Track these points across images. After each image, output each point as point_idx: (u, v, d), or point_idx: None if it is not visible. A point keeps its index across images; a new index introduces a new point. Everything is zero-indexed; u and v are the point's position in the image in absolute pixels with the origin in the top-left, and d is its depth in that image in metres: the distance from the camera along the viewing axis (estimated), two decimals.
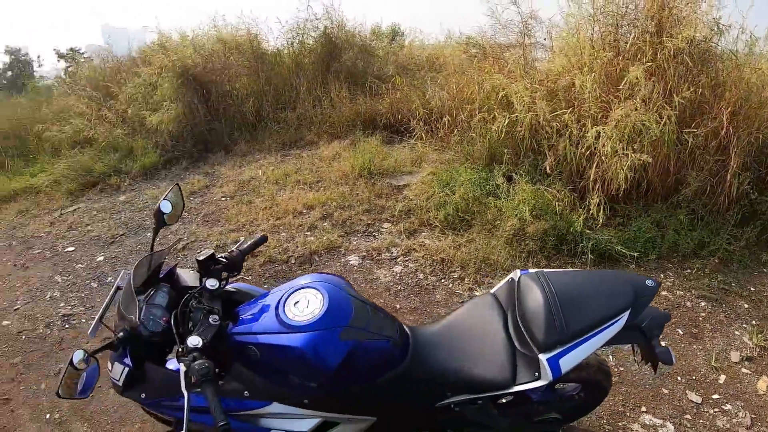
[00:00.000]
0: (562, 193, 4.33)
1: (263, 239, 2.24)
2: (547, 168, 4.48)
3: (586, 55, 4.57)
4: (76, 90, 7.53)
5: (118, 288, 1.99)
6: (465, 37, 6.34)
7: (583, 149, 4.30)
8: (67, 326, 4.03)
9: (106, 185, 6.26)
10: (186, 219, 5.15)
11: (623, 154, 4.00)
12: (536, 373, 1.89)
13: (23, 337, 4.01)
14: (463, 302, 2.58)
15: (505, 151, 4.86)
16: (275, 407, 1.84)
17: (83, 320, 4.05)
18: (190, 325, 1.81)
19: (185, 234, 4.89)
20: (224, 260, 1.99)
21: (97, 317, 1.93)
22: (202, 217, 5.13)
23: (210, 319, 1.77)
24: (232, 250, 2.07)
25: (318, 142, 6.30)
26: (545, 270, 2.05)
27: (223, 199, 5.44)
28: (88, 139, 6.79)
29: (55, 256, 5.04)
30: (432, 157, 5.58)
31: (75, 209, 5.88)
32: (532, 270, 2.07)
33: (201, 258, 1.94)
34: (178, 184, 2.18)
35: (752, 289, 3.83)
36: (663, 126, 4.01)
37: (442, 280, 4.11)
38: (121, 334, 1.77)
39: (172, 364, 1.86)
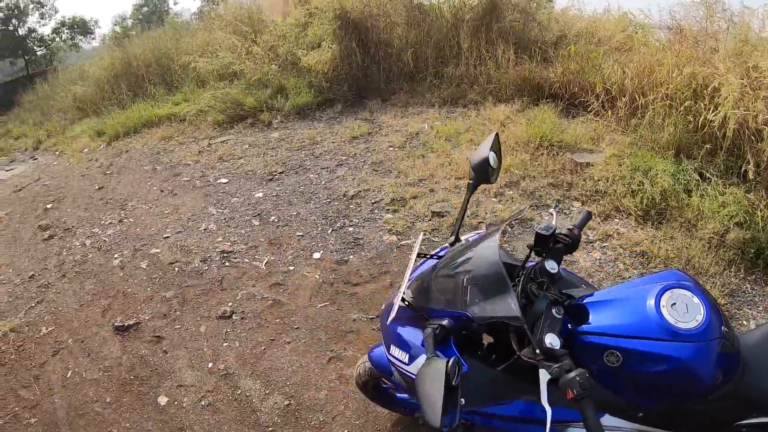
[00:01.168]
0: (765, 202, 4.15)
1: (589, 216, 1.97)
2: (750, 173, 4.28)
3: None
4: (221, 25, 7.35)
5: (424, 256, 1.96)
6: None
7: None
8: (227, 264, 3.95)
9: (256, 120, 6.17)
10: (351, 164, 4.90)
11: None
12: None
13: (176, 269, 3.89)
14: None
15: (704, 146, 4.66)
16: (606, 420, 1.68)
17: (246, 260, 3.97)
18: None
19: (355, 180, 4.64)
20: (566, 239, 1.78)
21: (399, 293, 1.75)
22: (370, 165, 5.00)
23: (553, 311, 1.58)
24: (572, 227, 1.84)
25: (482, 103, 6.18)
26: None
27: (391, 148, 5.32)
28: (235, 73, 6.61)
29: (207, 186, 4.91)
30: (610, 138, 5.33)
31: (225, 141, 5.70)
32: None
33: (544, 233, 1.75)
34: (497, 134, 2.11)
35: None
36: None
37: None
38: (446, 321, 1.65)
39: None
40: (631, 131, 5.29)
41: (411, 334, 1.81)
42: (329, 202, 4.58)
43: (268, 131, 6.01)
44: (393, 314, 1.70)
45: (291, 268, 3.87)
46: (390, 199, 4.46)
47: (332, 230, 4.20)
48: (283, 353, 3.19)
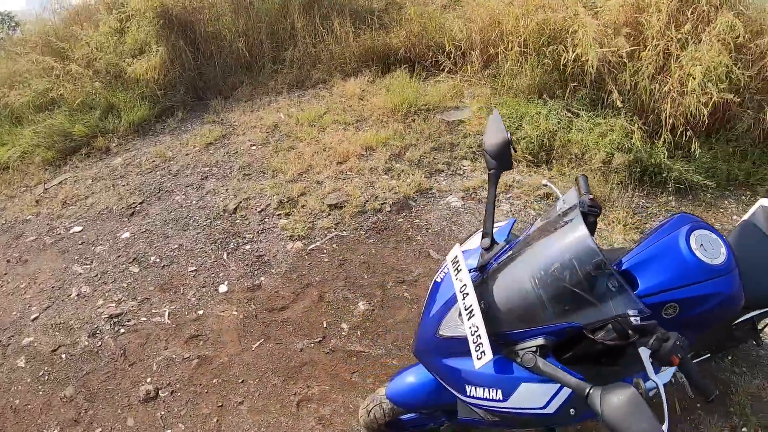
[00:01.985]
0: (636, 126, 4.45)
1: (586, 178, 2.00)
2: (618, 102, 4.54)
3: None
4: (26, 50, 6.29)
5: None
6: None
7: (659, 84, 4.47)
8: (122, 330, 3.24)
9: (91, 149, 5.32)
10: (217, 174, 4.44)
11: (703, 92, 4.22)
12: None
13: (63, 357, 3.14)
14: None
15: (569, 85, 4.86)
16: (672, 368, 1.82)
17: (142, 318, 3.29)
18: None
19: (229, 191, 4.20)
20: (594, 210, 1.80)
21: (468, 324, 1.59)
22: (239, 170, 4.57)
23: (609, 285, 1.54)
24: (590, 196, 1.85)
25: (330, 80, 5.87)
26: None
27: (254, 147, 4.88)
28: (55, 99, 5.69)
29: (60, 240, 4.15)
30: (471, 92, 5.34)
31: (62, 181, 4.90)
32: None
33: (584, 209, 1.74)
34: (496, 110, 2.02)
35: None
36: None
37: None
38: (542, 339, 1.56)
39: None
40: (489, 82, 5.30)
41: (485, 367, 1.57)
42: (210, 222, 3.99)
43: (108, 158, 5.15)
44: (485, 349, 1.50)
45: (200, 312, 3.27)
46: (277, 203, 4.01)
47: (227, 254, 3.66)
48: (241, 418, 2.66)
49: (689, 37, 4.44)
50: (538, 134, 4.50)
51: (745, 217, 2.52)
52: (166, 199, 4.33)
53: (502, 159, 1.83)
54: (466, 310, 1.57)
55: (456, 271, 1.68)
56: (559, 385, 1.57)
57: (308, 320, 3.15)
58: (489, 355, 1.47)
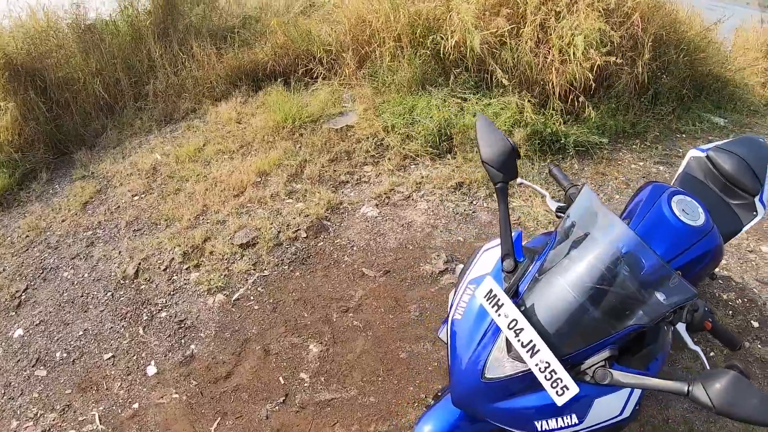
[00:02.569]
0: (526, 100, 4.62)
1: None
2: (503, 80, 4.67)
3: None
4: None
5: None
6: None
7: (542, 57, 4.68)
8: None
9: None
10: (103, 237, 3.97)
11: (585, 58, 4.50)
12: (754, 213, 2.52)
13: None
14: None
15: (452, 71, 4.92)
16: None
17: (71, 431, 2.83)
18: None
19: (123, 253, 3.76)
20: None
21: (536, 362, 1.45)
22: (127, 228, 4.05)
23: (662, 277, 1.60)
24: (572, 184, 1.98)
25: (200, 109, 5.44)
26: (712, 145, 2.75)
27: (136, 198, 4.36)
28: None
29: None
30: (349, 95, 5.25)
31: None
32: (705, 147, 2.75)
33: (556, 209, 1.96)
34: (482, 114, 1.96)
35: (681, 150, 4.94)
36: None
37: (474, 203, 4.11)
38: (609, 350, 1.51)
39: None
40: (368, 82, 5.17)
41: (546, 395, 1.47)
42: (112, 295, 3.48)
43: None
44: (567, 383, 1.39)
45: (135, 406, 2.79)
46: (181, 255, 3.60)
47: (143, 329, 3.21)
48: None
49: (566, 9, 4.62)
50: (435, 125, 4.44)
51: (681, 169, 2.73)
52: (52, 279, 3.77)
53: (507, 168, 1.71)
54: (525, 347, 1.44)
55: (496, 307, 1.51)
56: (632, 391, 1.59)
57: (261, 381, 2.84)
58: (574, 389, 1.37)
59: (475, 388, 1.58)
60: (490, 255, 1.82)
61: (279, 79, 5.45)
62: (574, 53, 4.47)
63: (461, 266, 1.96)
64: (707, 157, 2.66)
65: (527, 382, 1.53)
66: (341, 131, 4.71)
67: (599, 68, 4.56)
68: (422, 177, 4.22)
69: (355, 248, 3.63)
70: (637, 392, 1.61)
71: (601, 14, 4.53)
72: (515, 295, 1.60)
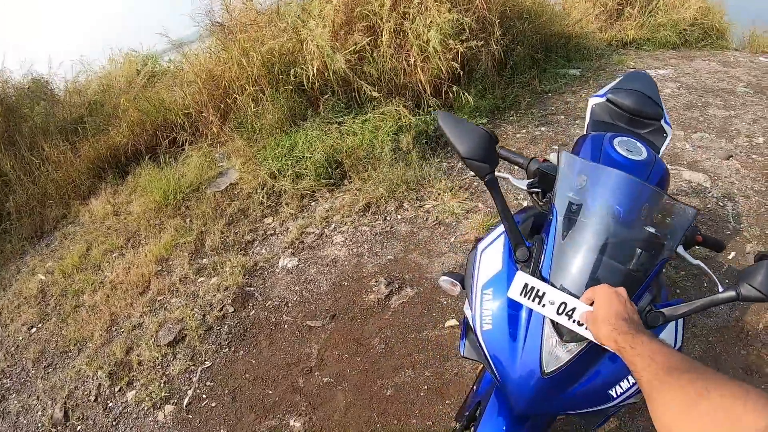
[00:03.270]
0: (400, 105, 4.66)
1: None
2: (373, 93, 4.68)
3: None
4: None
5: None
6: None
7: (404, 61, 4.77)
8: None
9: None
10: (16, 383, 3.46)
11: (447, 49, 4.65)
12: (664, 134, 2.75)
13: None
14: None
15: (321, 99, 4.89)
16: None
17: None
18: None
19: (42, 397, 3.29)
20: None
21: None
22: (36, 365, 3.54)
23: (668, 206, 1.78)
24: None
25: (70, 211, 4.92)
26: (607, 89, 2.91)
27: (34, 330, 3.83)
28: None
29: None
30: (221, 153, 4.98)
31: None
32: (600, 92, 2.90)
33: (550, 172, 1.83)
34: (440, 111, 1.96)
35: (553, 108, 5.35)
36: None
37: (387, 219, 4.03)
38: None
39: None
40: (237, 134, 4.91)
41: (610, 364, 1.54)
42: None
43: None
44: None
45: None
46: (108, 377, 3.15)
47: None
48: None
49: (415, 9, 4.70)
50: (321, 156, 4.32)
51: (588, 119, 2.88)
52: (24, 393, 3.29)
53: (490, 158, 1.58)
54: (583, 324, 1.38)
55: (537, 299, 1.42)
56: (676, 321, 1.62)
57: None
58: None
59: (540, 389, 1.48)
60: (490, 252, 1.72)
61: (146, 158, 5.03)
62: (434, 48, 4.54)
63: (445, 278, 1.85)
64: (607, 100, 2.80)
65: (589, 357, 1.49)
66: (227, 191, 4.45)
67: (462, 56, 4.68)
68: (327, 211, 4.08)
69: (290, 304, 3.40)
70: (681, 322, 1.64)
71: (450, 5, 4.66)
72: (543, 281, 1.51)
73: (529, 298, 1.43)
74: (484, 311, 1.61)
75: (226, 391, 3.01)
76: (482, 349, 1.60)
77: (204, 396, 3.02)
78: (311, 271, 3.61)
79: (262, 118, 4.78)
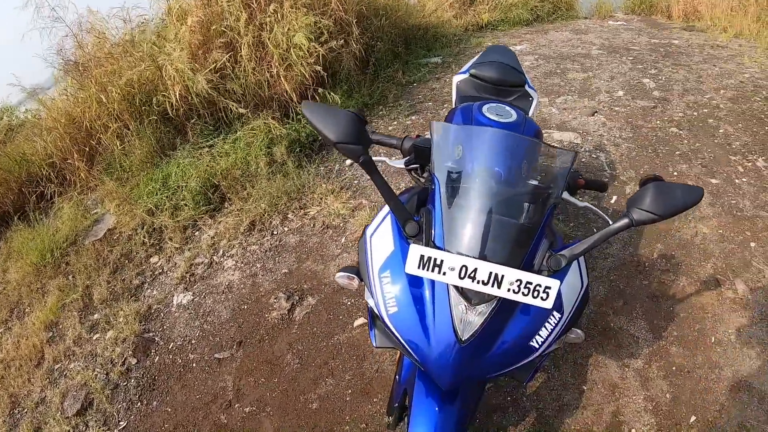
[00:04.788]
0: (269, 117, 4.65)
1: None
2: (239, 110, 4.65)
3: None
4: None
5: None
6: None
7: (267, 73, 4.73)
8: None
9: None
10: None
11: (309, 53, 4.68)
12: (530, 98, 2.87)
13: None
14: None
15: (188, 124, 4.77)
16: None
17: None
18: None
19: None
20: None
21: None
22: None
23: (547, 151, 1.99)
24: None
25: None
26: (469, 65, 3.05)
27: None
28: None
29: None
30: (93, 199, 4.67)
31: None
32: (462, 69, 3.06)
33: (423, 145, 1.92)
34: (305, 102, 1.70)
35: (420, 96, 5.63)
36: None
37: (274, 234, 3.98)
38: None
39: None
40: (106, 176, 4.59)
41: (526, 311, 1.58)
42: None
43: None
44: (545, 284, 1.41)
45: None
46: None
47: None
48: None
49: (273, 18, 4.68)
50: (197, 183, 4.18)
51: (454, 95, 3.04)
52: None
53: (361, 138, 1.56)
54: (488, 282, 1.39)
55: (437, 268, 1.41)
56: (578, 260, 1.66)
57: None
58: (554, 283, 1.40)
59: (461, 359, 1.48)
60: (379, 235, 1.69)
61: (14, 219, 4.59)
62: (296, 55, 4.54)
63: (341, 274, 1.83)
64: (471, 75, 2.92)
65: (502, 315, 1.51)
66: (106, 238, 4.16)
67: (324, 58, 4.71)
68: (212, 238, 3.94)
69: (193, 341, 3.25)
70: (582, 262, 1.70)
71: (306, 10, 4.68)
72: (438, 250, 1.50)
73: (428, 270, 1.42)
74: (387, 295, 1.58)
75: None
76: (393, 334, 1.57)
77: None
78: (208, 303, 3.47)
79: (130, 154, 4.52)
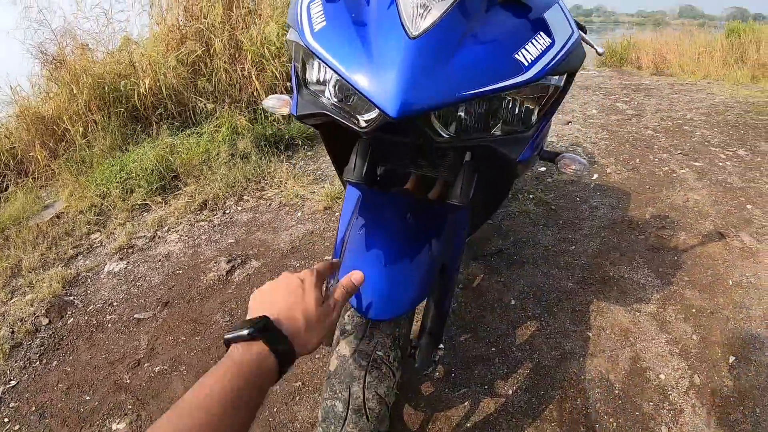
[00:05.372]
0: (237, 114, 4.56)
1: None
2: (207, 106, 4.58)
3: None
4: None
5: None
6: None
7: (239, 72, 4.74)
8: None
9: None
10: None
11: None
12: None
13: None
14: None
15: (154, 117, 4.67)
16: None
17: None
18: None
19: None
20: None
21: None
22: None
23: None
24: None
25: None
26: None
27: None
28: None
29: None
30: (48, 193, 4.43)
31: None
32: None
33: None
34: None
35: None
36: None
37: (226, 213, 3.73)
38: None
39: None
40: (65, 166, 4.38)
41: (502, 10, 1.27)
42: None
43: None
44: None
45: None
46: None
47: None
48: None
49: (248, 17, 4.77)
50: (152, 165, 3.97)
51: None
52: None
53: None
54: None
55: None
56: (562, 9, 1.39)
57: None
58: None
59: (413, 59, 1.03)
60: None
61: None
62: (269, 51, 4.56)
63: (271, 96, 1.58)
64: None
65: (469, 15, 1.14)
66: (52, 221, 3.89)
67: None
68: (160, 217, 3.64)
69: (115, 304, 2.86)
70: (566, 9, 1.40)
71: (282, 10, 4.78)
72: None
73: None
74: (314, 16, 1.21)
75: (33, 409, 2.38)
76: (320, 54, 1.15)
77: (6, 420, 2.39)
78: (141, 269, 3.12)
79: (93, 147, 4.34)
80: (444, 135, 1.15)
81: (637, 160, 4.33)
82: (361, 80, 1.05)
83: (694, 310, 2.53)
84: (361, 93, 1.06)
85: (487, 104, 1.17)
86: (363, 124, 1.14)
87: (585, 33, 1.59)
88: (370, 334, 1.36)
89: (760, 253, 2.99)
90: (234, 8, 4.77)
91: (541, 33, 1.20)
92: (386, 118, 1.02)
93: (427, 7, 1.10)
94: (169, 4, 4.94)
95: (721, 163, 4.28)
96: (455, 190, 1.35)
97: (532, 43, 1.16)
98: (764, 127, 5.36)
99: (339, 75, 1.11)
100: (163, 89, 4.48)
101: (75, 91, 4.42)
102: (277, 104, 1.64)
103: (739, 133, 5.15)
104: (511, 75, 1.10)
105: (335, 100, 1.22)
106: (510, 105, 1.20)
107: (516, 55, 1.13)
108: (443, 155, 1.47)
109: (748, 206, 3.54)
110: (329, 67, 1.13)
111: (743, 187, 3.82)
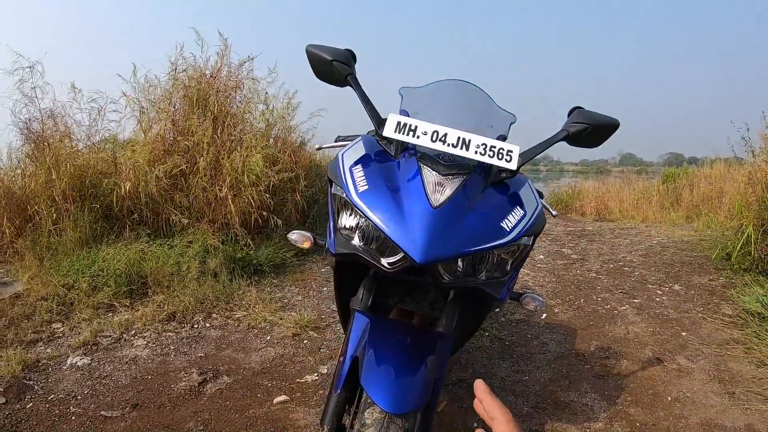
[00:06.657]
0: (210, 232, 4.77)
1: None
2: (182, 220, 4.78)
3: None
4: None
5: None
6: None
7: (217, 191, 4.94)
8: None
9: None
10: None
11: (260, 179, 5.03)
12: None
13: None
14: None
15: (128, 221, 4.79)
16: None
17: None
18: None
19: None
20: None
21: None
22: None
23: None
24: None
25: None
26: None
27: None
28: None
29: None
30: (6, 270, 4.37)
31: None
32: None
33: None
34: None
35: None
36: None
37: (195, 327, 3.81)
38: None
39: None
40: (29, 248, 4.36)
41: (497, 189, 1.76)
42: None
43: None
44: (507, 149, 1.68)
45: None
46: None
47: None
48: None
49: (232, 144, 5.04)
50: (123, 267, 4.05)
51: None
52: None
53: (350, 64, 1.91)
54: (457, 145, 1.59)
55: (411, 133, 1.65)
56: (530, 187, 1.91)
57: None
58: (515, 147, 1.65)
59: (434, 225, 1.44)
60: (351, 152, 1.79)
61: None
62: (248, 178, 4.84)
63: (295, 232, 1.95)
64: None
65: (474, 186, 1.62)
66: (11, 300, 3.79)
67: (274, 188, 5.11)
68: (127, 320, 3.67)
69: (79, 397, 2.81)
70: (533, 186, 1.92)
71: (265, 143, 5.23)
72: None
73: (403, 134, 1.61)
74: (357, 179, 1.62)
75: None
76: (364, 212, 1.53)
77: None
78: (107, 368, 3.10)
79: (62, 235, 4.36)
80: (446, 278, 1.57)
81: (582, 300, 4.78)
82: (396, 235, 1.45)
83: (638, 424, 2.83)
84: (395, 244, 1.44)
85: (479, 257, 1.62)
86: (386, 265, 1.54)
87: (542, 197, 2.08)
88: (387, 426, 1.58)
89: (694, 372, 3.38)
90: (220, 132, 5.09)
91: (518, 206, 1.70)
92: (411, 263, 1.42)
93: (443, 185, 1.58)
94: (158, 115, 5.22)
95: (658, 299, 4.81)
96: (441, 321, 1.76)
97: (512, 214, 1.64)
98: (698, 263, 6.01)
99: (379, 229, 1.49)
100: (142, 196, 4.64)
101: (54, 176, 4.47)
102: (300, 239, 2.05)
103: (675, 270, 5.77)
104: (498, 237, 1.55)
105: (361, 243, 1.62)
106: (492, 258, 1.65)
107: (502, 223, 1.59)
108: (426, 293, 1.91)
109: (683, 333, 3.99)
110: (371, 222, 1.51)
111: (678, 318, 4.31)
